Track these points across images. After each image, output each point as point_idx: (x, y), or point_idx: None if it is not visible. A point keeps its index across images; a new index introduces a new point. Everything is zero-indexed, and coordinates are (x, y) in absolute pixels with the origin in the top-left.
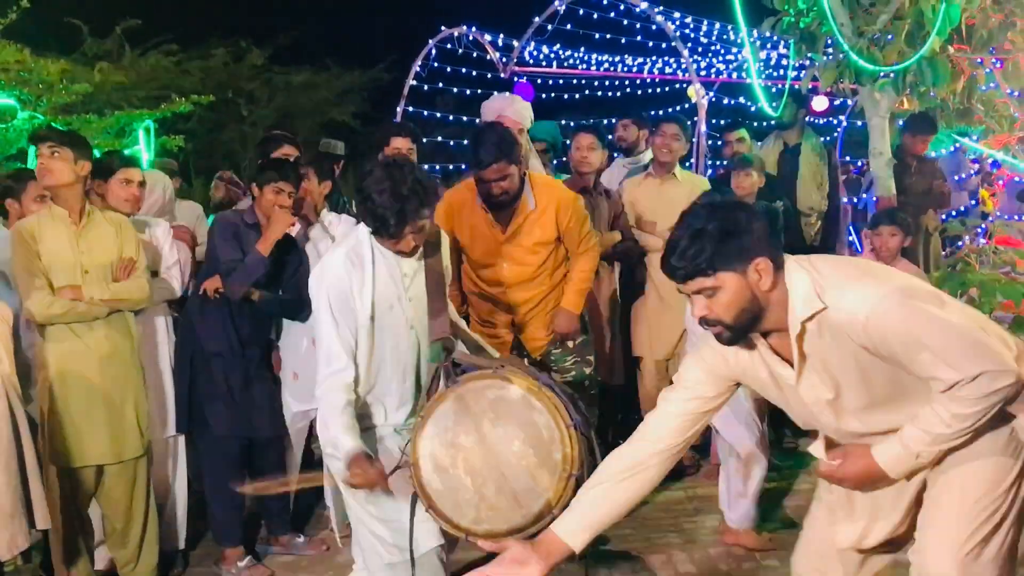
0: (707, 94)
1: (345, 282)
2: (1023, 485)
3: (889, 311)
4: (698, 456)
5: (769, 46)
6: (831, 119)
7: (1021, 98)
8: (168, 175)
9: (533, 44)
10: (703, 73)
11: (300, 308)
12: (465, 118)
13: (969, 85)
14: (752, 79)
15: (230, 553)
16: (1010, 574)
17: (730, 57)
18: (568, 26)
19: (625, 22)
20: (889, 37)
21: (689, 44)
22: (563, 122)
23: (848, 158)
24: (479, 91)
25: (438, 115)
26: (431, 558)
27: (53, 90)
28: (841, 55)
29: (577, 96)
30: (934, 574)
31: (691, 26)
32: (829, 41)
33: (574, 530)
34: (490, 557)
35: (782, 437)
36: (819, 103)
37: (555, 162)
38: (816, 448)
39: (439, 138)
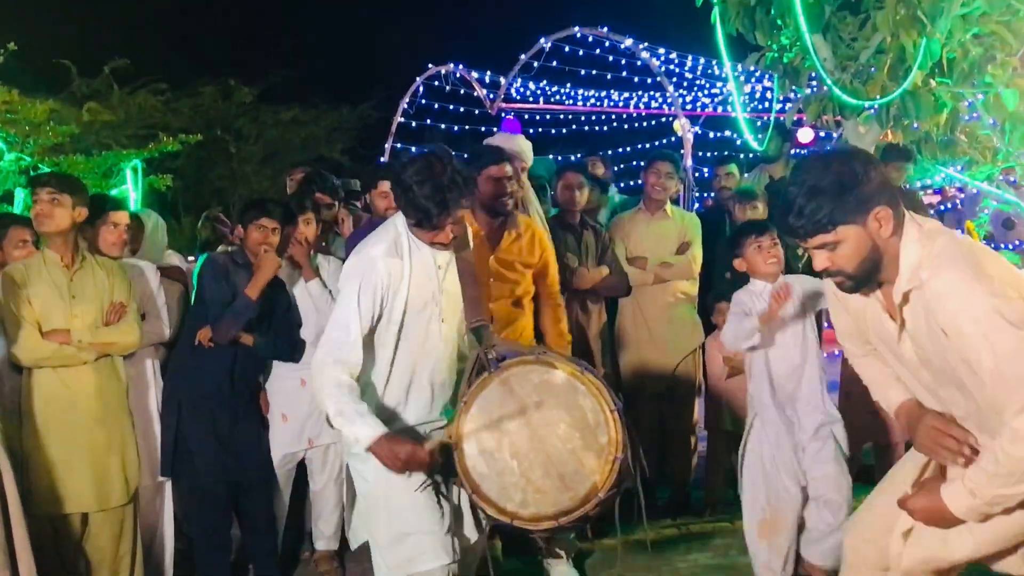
0: (692, 128)
1: (383, 277)
2: None
3: (989, 321)
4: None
5: (754, 80)
6: (816, 151)
7: (1002, 129)
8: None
9: (520, 81)
10: (688, 107)
11: (293, 350)
12: (453, 154)
13: (951, 117)
14: (737, 113)
15: None
16: None
17: (715, 91)
18: (554, 63)
19: (611, 58)
20: (872, 70)
21: (674, 79)
22: (550, 156)
23: None
24: (466, 127)
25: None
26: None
27: (40, 131)
28: (825, 89)
29: (564, 131)
30: None
31: (676, 61)
32: (812, 75)
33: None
34: None
35: None
36: (805, 135)
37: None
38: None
39: None
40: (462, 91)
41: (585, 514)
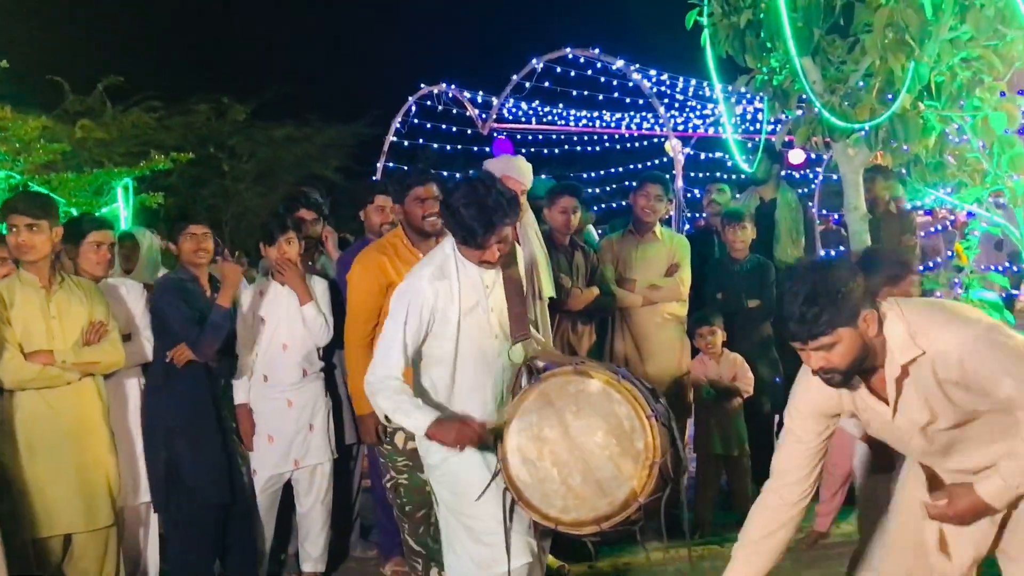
0: (684, 149)
1: (428, 296)
2: None
3: (981, 350)
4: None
5: (745, 101)
6: (808, 172)
7: (991, 152)
8: None
9: (512, 101)
10: (680, 128)
11: (232, 369)
12: (445, 173)
13: (940, 140)
14: (727, 135)
15: None
16: None
17: (706, 112)
18: (546, 83)
19: (602, 79)
20: (861, 93)
21: (665, 100)
22: (543, 176)
23: (825, 211)
24: (459, 147)
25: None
26: (523, 571)
27: (31, 148)
28: (814, 111)
29: (556, 151)
30: None
31: (667, 83)
32: (802, 98)
33: None
34: None
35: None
36: (796, 156)
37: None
38: (922, 493)
39: None
40: (454, 111)
41: (628, 518)
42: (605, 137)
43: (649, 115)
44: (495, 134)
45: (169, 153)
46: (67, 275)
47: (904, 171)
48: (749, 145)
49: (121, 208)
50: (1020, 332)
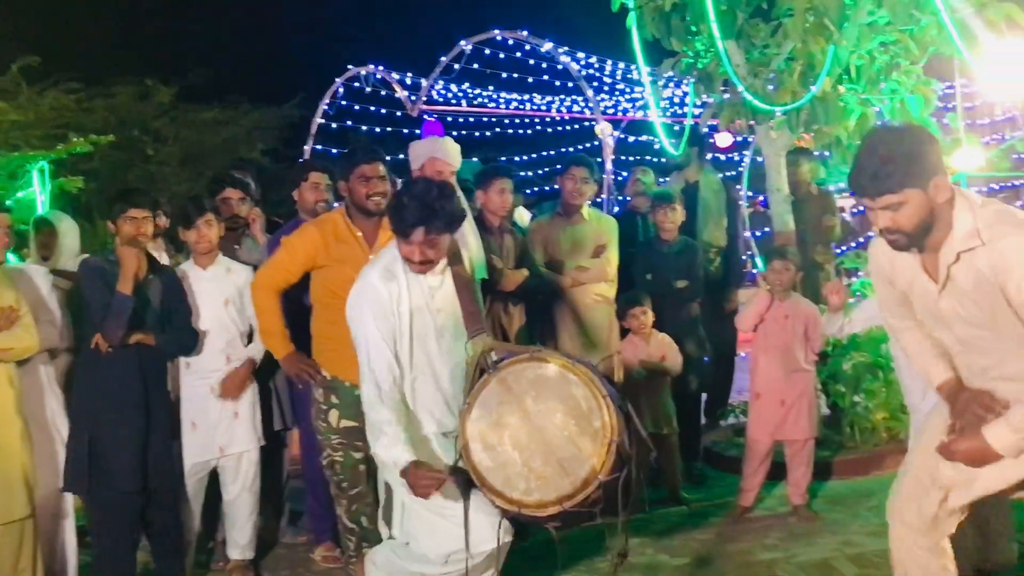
0: (614, 132)
1: (384, 295)
2: None
3: None
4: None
5: (673, 85)
6: (733, 156)
7: None
8: None
9: (441, 83)
10: (610, 111)
11: (194, 343)
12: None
13: (860, 122)
14: (654, 118)
15: None
16: None
17: (635, 95)
18: (475, 65)
19: (531, 61)
20: (783, 76)
21: (595, 83)
22: (474, 159)
23: (752, 193)
24: (388, 129)
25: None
26: (490, 557)
27: None
28: (738, 94)
29: (488, 134)
30: None
31: (596, 66)
32: (726, 81)
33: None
34: None
35: (692, 470)
36: (723, 139)
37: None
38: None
39: None
40: (383, 93)
41: (588, 497)
42: (536, 120)
43: (580, 98)
44: (425, 116)
45: (90, 136)
46: None
47: (827, 152)
48: (676, 128)
49: (37, 192)
50: None
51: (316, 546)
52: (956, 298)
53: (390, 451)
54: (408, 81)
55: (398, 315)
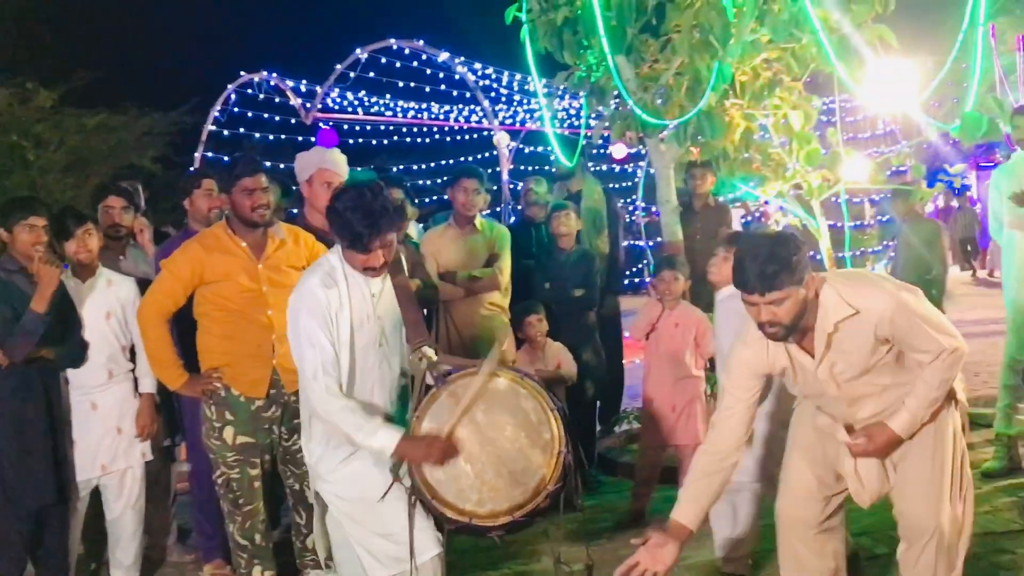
0: (513, 142)
1: (323, 303)
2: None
3: (907, 305)
4: None
5: (568, 97)
6: (627, 167)
7: (790, 148)
8: None
9: (337, 91)
10: (508, 121)
11: (83, 355)
12: (269, 164)
13: (745, 136)
14: (547, 129)
15: None
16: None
17: (533, 106)
18: (371, 74)
19: (428, 71)
20: (672, 90)
21: (492, 94)
22: (371, 167)
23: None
24: (282, 136)
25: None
26: (434, 563)
27: None
28: (628, 108)
29: (386, 142)
30: (929, 525)
31: (492, 77)
32: (617, 94)
33: (690, 516)
34: None
35: (586, 477)
36: (618, 151)
37: None
38: (842, 435)
39: None
40: (277, 100)
41: (538, 507)
42: (434, 129)
43: (478, 108)
44: (320, 124)
45: None
46: None
47: (713, 165)
48: (572, 139)
49: None
50: None
51: (205, 564)
52: (834, 361)
53: (374, 439)
54: (303, 89)
55: (336, 323)
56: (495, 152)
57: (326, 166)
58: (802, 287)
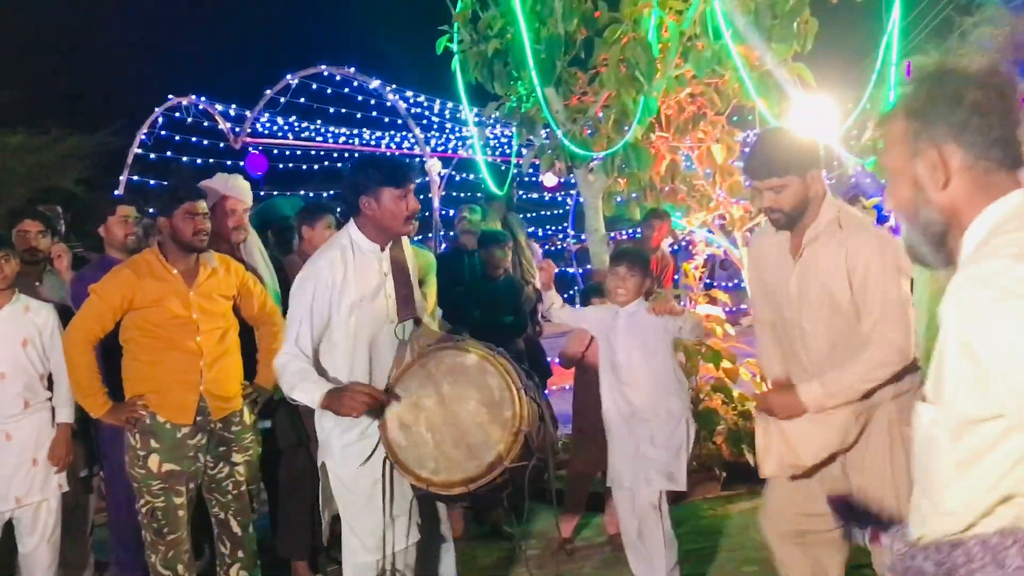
0: (445, 169)
1: (327, 280)
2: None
3: (886, 262)
4: None
5: (500, 125)
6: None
7: (714, 180)
8: None
9: (267, 115)
10: (440, 149)
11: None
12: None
13: (671, 168)
14: (478, 157)
15: None
16: None
17: (465, 134)
18: (301, 99)
19: (359, 98)
20: (600, 122)
21: (424, 121)
22: (301, 193)
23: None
24: (211, 160)
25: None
26: (410, 552)
27: None
28: (557, 139)
29: (316, 167)
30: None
31: (424, 104)
32: (546, 125)
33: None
34: None
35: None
36: (549, 179)
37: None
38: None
39: None
40: (206, 123)
41: (493, 480)
42: (366, 155)
43: (410, 135)
44: (249, 148)
45: None
46: None
47: (635, 196)
48: (503, 168)
49: None
50: (745, 346)
51: None
52: (805, 276)
53: (305, 394)
54: (232, 113)
55: (341, 299)
56: (427, 179)
57: (231, 192)
58: (804, 180)
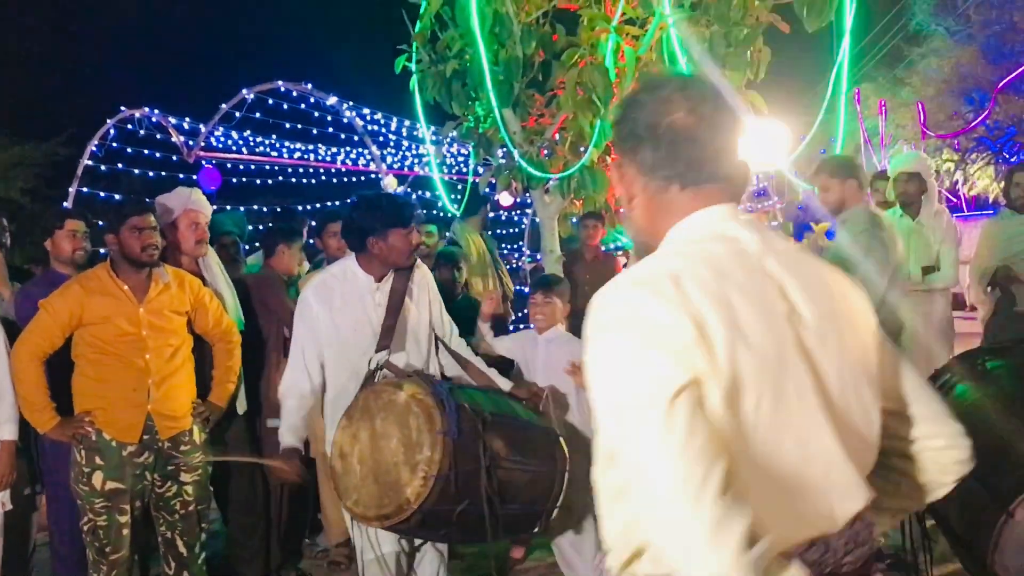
0: (401, 187)
1: (314, 309)
2: None
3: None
4: None
5: (457, 144)
6: (513, 215)
7: None
8: None
9: (221, 130)
10: (396, 166)
11: None
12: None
13: None
14: (434, 175)
15: None
16: None
17: (423, 152)
18: (257, 114)
19: (316, 114)
20: (557, 144)
21: (380, 138)
22: (255, 207)
23: (530, 251)
24: (163, 173)
25: (116, 197)
26: (387, 560)
27: None
28: (514, 159)
29: (270, 182)
30: None
31: (381, 122)
32: (504, 146)
33: None
34: None
35: None
36: (505, 199)
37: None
38: None
39: None
40: (159, 136)
41: (407, 520)
42: (321, 171)
43: (366, 151)
44: (203, 162)
45: None
46: None
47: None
48: (459, 187)
49: None
50: None
51: None
52: None
53: (284, 435)
54: (186, 126)
55: (326, 327)
56: None
57: (192, 206)
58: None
